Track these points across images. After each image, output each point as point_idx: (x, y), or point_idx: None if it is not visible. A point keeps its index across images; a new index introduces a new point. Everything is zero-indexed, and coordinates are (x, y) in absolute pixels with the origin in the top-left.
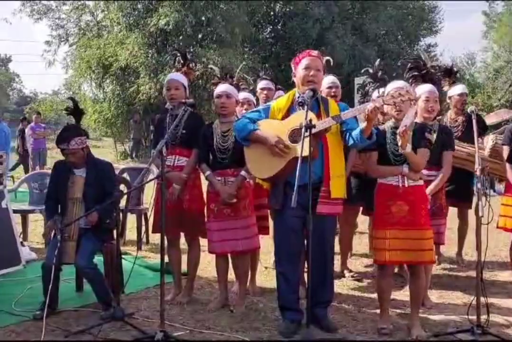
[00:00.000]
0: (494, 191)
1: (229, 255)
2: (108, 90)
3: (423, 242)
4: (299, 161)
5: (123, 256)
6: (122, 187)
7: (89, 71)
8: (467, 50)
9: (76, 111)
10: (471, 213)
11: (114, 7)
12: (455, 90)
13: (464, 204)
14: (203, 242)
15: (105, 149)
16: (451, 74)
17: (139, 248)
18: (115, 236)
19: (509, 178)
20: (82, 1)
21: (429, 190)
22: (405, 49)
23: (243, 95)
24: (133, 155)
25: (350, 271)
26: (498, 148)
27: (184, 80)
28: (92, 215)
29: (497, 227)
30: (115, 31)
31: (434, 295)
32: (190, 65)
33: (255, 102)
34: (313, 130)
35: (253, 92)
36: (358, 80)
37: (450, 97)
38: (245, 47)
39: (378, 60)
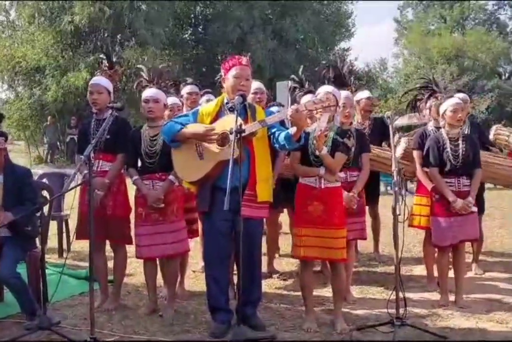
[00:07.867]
0: (407, 190)
1: (157, 260)
2: (19, 91)
3: (336, 240)
4: (231, 163)
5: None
6: (44, 193)
7: None
8: (380, 56)
9: None
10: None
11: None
12: (363, 94)
13: (373, 201)
14: (129, 249)
15: (18, 154)
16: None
17: (61, 256)
18: (37, 243)
19: (422, 180)
20: None
21: (355, 189)
22: (322, 54)
23: (170, 100)
24: (48, 159)
25: (277, 272)
26: (409, 151)
27: (108, 84)
28: (5, 216)
29: (409, 226)
30: (24, 29)
31: (355, 291)
32: (116, 67)
33: (181, 107)
34: (242, 134)
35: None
36: (279, 85)
37: (358, 101)
38: (165, 49)
39: (302, 66)
